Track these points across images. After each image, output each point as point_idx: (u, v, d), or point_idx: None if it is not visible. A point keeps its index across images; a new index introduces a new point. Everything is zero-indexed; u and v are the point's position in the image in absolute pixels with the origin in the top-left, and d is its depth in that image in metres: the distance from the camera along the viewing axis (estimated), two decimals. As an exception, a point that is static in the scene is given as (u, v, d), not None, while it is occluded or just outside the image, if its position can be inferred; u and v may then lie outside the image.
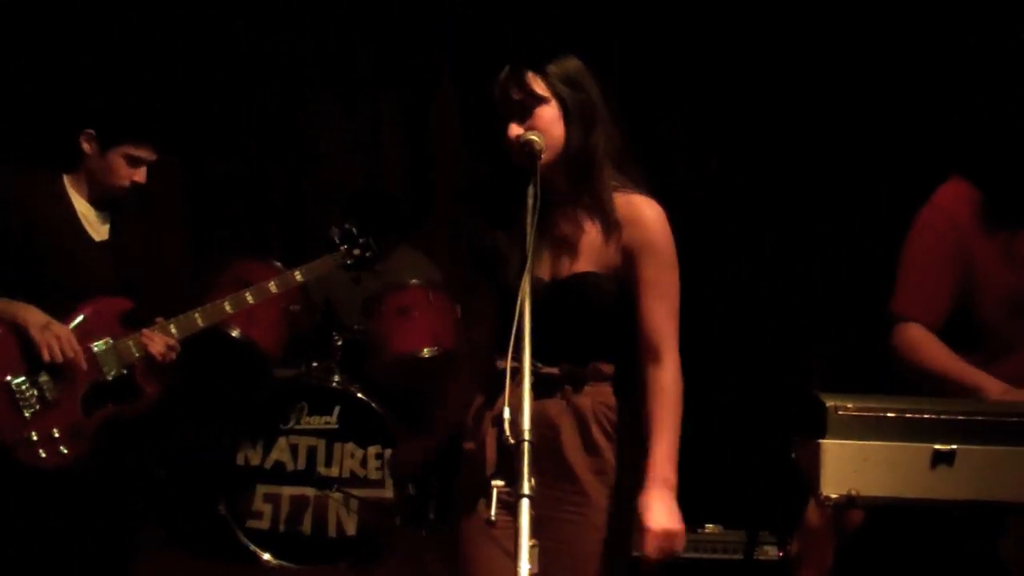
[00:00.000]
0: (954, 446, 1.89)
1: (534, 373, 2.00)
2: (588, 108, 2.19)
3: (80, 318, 3.09)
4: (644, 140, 4.58)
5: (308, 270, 3.57)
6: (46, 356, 2.99)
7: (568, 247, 2.20)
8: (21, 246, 3.07)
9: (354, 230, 3.72)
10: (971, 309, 2.43)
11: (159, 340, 3.14)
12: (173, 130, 3.41)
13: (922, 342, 2.41)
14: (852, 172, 4.56)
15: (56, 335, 3.00)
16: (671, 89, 4.86)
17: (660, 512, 2.07)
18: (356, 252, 3.72)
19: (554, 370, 2.15)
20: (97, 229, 3.20)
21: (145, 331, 3.13)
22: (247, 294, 3.39)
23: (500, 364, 2.14)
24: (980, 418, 1.91)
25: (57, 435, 3.03)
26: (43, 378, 3.03)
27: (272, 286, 3.45)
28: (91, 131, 3.13)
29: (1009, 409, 1.96)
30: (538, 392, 2.03)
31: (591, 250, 2.20)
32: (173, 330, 3.18)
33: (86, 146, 3.14)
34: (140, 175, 3.17)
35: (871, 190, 4.52)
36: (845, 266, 4.62)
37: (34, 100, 4.46)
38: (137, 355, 3.12)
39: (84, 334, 3.08)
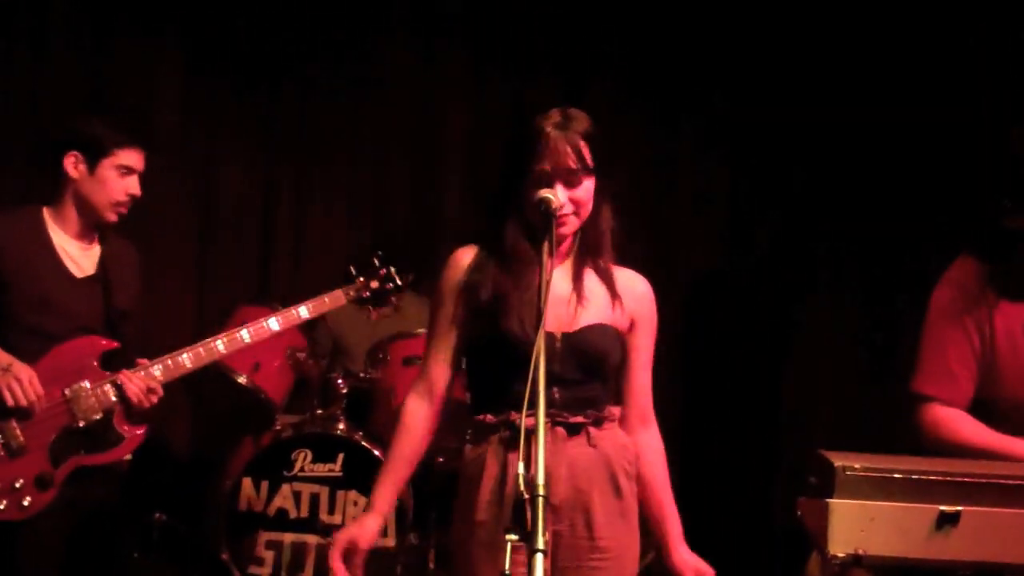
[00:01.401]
0: (960, 507, 1.92)
1: (563, 423, 2.20)
2: (609, 177, 2.29)
3: (52, 359, 2.98)
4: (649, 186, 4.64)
5: (315, 306, 3.38)
6: (8, 400, 2.88)
7: (574, 303, 2.28)
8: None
9: (376, 260, 3.52)
10: (993, 384, 2.46)
11: (137, 383, 3.00)
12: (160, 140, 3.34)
13: (954, 419, 2.45)
14: (855, 237, 4.59)
15: (16, 378, 2.88)
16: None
17: (700, 561, 2.33)
18: (374, 285, 3.52)
19: (580, 418, 2.25)
20: (80, 265, 3.13)
21: (124, 372, 3.01)
22: (243, 332, 3.24)
23: (514, 417, 2.20)
24: (986, 480, 1.94)
25: (19, 486, 2.91)
26: (9, 424, 2.91)
27: (273, 323, 3.28)
28: (75, 152, 3.08)
29: (1015, 471, 1.99)
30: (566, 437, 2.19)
31: (600, 307, 2.30)
32: (156, 372, 3.04)
33: (73, 171, 3.08)
34: (134, 185, 3.11)
35: (868, 253, 4.56)
36: (848, 325, 4.66)
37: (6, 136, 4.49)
38: (115, 399, 3.00)
39: (55, 376, 2.96)
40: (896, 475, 1.93)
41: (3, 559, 2.95)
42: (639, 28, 4.93)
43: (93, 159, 3.07)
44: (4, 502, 2.89)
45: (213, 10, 4.77)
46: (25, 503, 2.91)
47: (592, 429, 2.26)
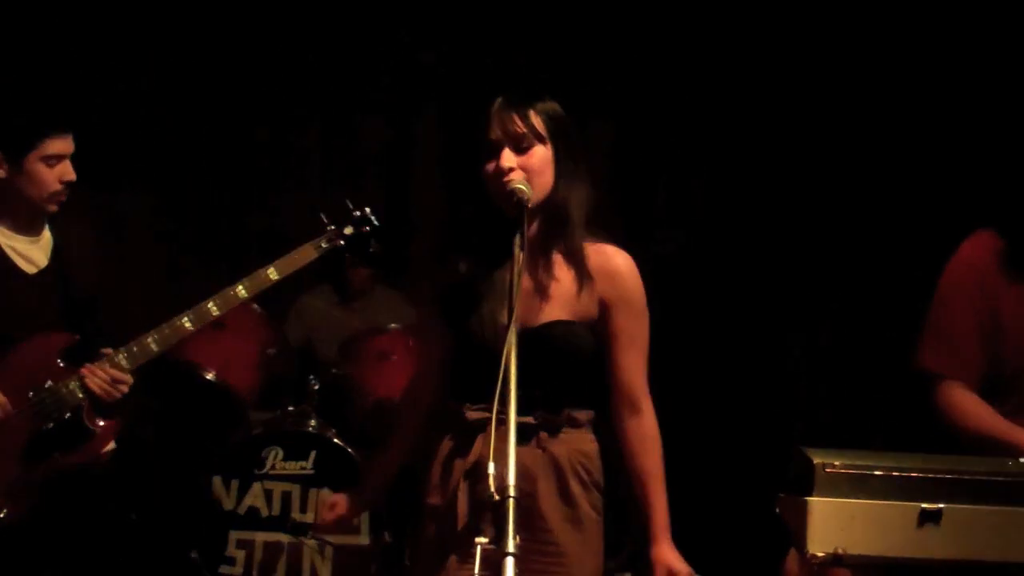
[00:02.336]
0: (941, 505, 1.89)
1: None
2: (576, 158, 2.20)
3: (11, 363, 2.88)
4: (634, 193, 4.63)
5: (284, 264, 3.06)
6: None
7: (540, 295, 2.19)
8: None
9: (348, 203, 3.15)
10: (1000, 359, 2.44)
11: (100, 375, 2.86)
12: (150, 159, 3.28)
13: (966, 403, 2.43)
14: (856, 222, 4.57)
15: None
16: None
17: (680, 559, 2.22)
18: (348, 230, 3.12)
19: (528, 419, 2.13)
20: (32, 259, 2.98)
21: (86, 367, 2.87)
22: (210, 304, 3.00)
23: (471, 414, 2.15)
24: (967, 477, 1.91)
25: None
26: None
27: (241, 289, 3.02)
28: None
29: (996, 468, 1.96)
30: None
31: (565, 299, 2.20)
32: (123, 361, 2.90)
33: (1, 171, 2.89)
34: (67, 172, 2.92)
35: (868, 237, 4.54)
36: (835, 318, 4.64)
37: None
38: (81, 395, 2.88)
39: (18, 380, 2.86)
40: (876, 472, 1.90)
41: None
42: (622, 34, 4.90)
43: (16, 155, 2.88)
44: None
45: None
46: (1, 515, 2.82)
47: (543, 434, 2.18)
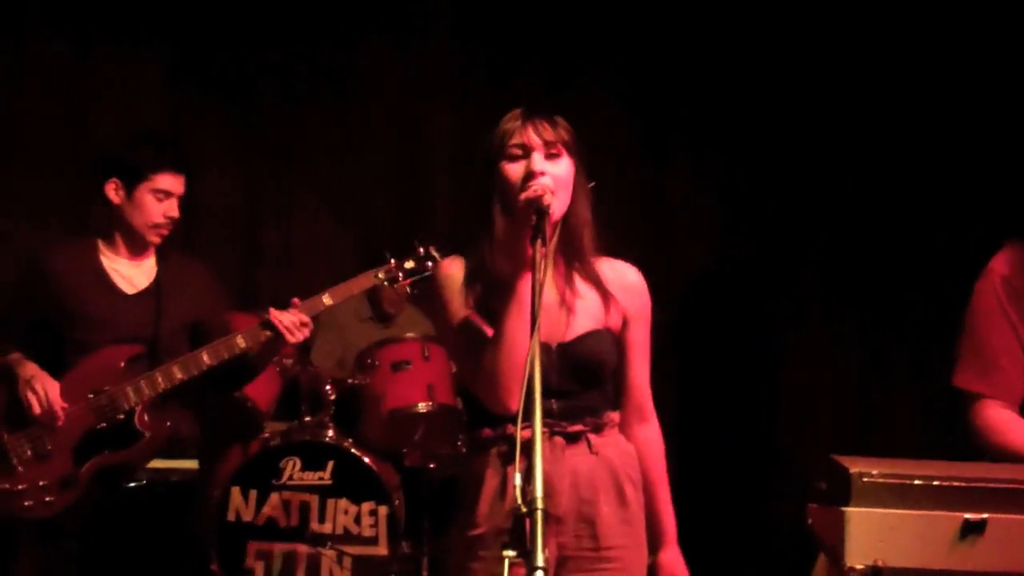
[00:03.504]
0: (985, 515, 1.83)
1: (562, 433, 2.13)
2: (587, 176, 2.20)
3: (80, 369, 3.16)
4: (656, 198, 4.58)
5: (339, 291, 3.34)
6: (28, 411, 3.09)
7: (567, 309, 2.19)
8: (51, 315, 3.21)
9: (415, 241, 3.41)
10: None
11: (289, 315, 3.22)
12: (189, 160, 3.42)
13: (1007, 423, 2.38)
14: (885, 234, 4.52)
15: (34, 389, 3.08)
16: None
17: (684, 570, 2.25)
18: (410, 264, 3.39)
19: (579, 427, 2.18)
20: (133, 281, 3.31)
21: (272, 310, 3.23)
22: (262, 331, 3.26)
23: (511, 431, 2.11)
24: (1013, 486, 1.85)
25: (44, 484, 3.11)
26: (36, 430, 3.12)
27: (300, 309, 3.25)
28: (115, 179, 3.25)
29: (1043, 477, 1.90)
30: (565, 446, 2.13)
31: (591, 312, 2.22)
32: (177, 373, 3.19)
33: (114, 196, 3.26)
34: (172, 208, 3.27)
35: (895, 251, 4.50)
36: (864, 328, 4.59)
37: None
38: (135, 400, 3.15)
39: (82, 384, 3.15)
40: (917, 481, 1.84)
41: (32, 556, 3.20)
42: (629, 26, 4.85)
43: (131, 184, 3.24)
44: (30, 501, 3.10)
45: (193, 19, 4.73)
46: (49, 500, 3.11)
47: (592, 436, 2.19)
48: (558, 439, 2.15)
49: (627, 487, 2.21)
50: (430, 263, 3.35)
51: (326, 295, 3.33)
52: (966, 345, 2.44)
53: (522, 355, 2.00)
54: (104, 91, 4.73)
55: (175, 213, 3.29)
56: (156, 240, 3.31)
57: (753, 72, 4.73)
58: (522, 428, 1.70)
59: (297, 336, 3.27)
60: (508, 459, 2.14)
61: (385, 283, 3.44)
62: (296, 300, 3.31)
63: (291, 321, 3.24)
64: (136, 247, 3.32)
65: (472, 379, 2.17)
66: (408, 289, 3.56)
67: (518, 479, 1.75)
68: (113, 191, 3.25)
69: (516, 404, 1.93)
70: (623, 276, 2.27)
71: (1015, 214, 2.56)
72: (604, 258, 2.26)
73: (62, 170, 4.64)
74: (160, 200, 3.25)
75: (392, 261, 3.40)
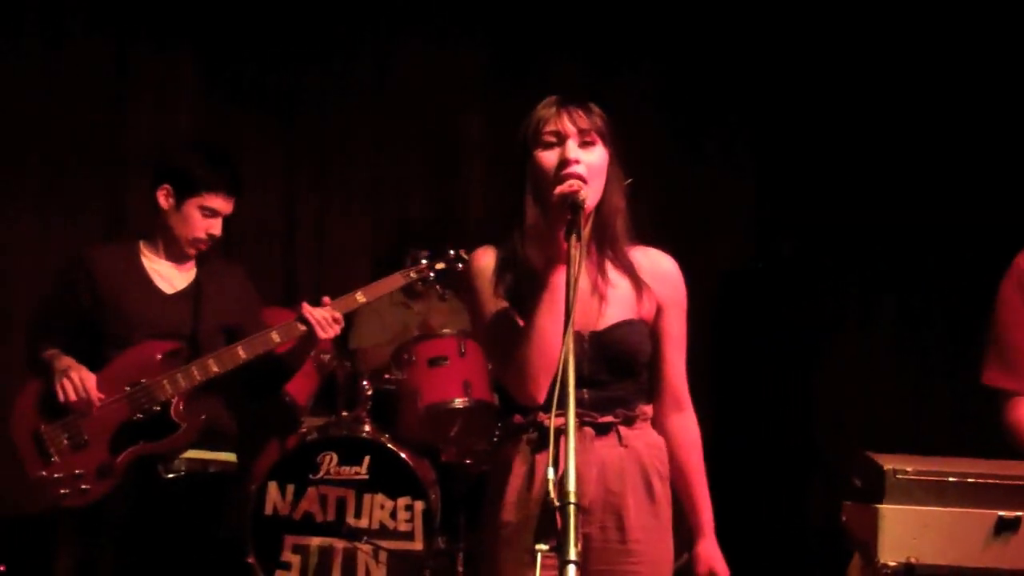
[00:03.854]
0: (1019, 513, 1.82)
1: (591, 423, 2.10)
2: (623, 165, 2.19)
3: (118, 362, 3.20)
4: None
5: (372, 289, 3.42)
6: (61, 398, 3.13)
7: (600, 298, 2.18)
8: (90, 315, 3.24)
9: (448, 245, 3.52)
10: None
11: (321, 311, 3.26)
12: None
13: None
14: (904, 234, 4.50)
15: (70, 379, 3.13)
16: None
17: (722, 561, 2.22)
18: (440, 266, 3.51)
19: (609, 418, 2.17)
20: (173, 283, 3.35)
21: (304, 305, 3.27)
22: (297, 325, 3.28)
23: (547, 422, 2.11)
24: (1048, 484, 1.83)
25: (80, 473, 3.15)
26: (74, 420, 3.16)
27: (333, 306, 3.30)
28: (168, 186, 3.28)
29: (1078, 474, 1.88)
30: (596, 437, 2.12)
31: (626, 301, 2.20)
32: (213, 366, 3.22)
33: (163, 201, 3.29)
34: (215, 227, 3.31)
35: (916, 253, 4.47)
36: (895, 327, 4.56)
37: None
38: (171, 392, 3.19)
39: (119, 376, 3.19)
40: (951, 478, 1.83)
41: (69, 544, 3.26)
42: (662, 20, 4.84)
43: (182, 195, 3.28)
44: (67, 489, 3.15)
45: (230, 22, 4.78)
46: (85, 488, 3.15)
47: (622, 428, 2.18)
48: (587, 429, 2.14)
49: (655, 481, 2.20)
50: (460, 265, 3.45)
51: (359, 293, 3.40)
52: (992, 343, 2.43)
53: (552, 348, 2.01)
54: (142, 94, 4.78)
55: (218, 232, 3.32)
56: (191, 253, 3.35)
57: (787, 64, 4.71)
58: (555, 417, 1.71)
59: (328, 332, 3.30)
60: (538, 447, 2.13)
61: (418, 283, 3.55)
62: (327, 299, 3.35)
63: (323, 317, 3.28)
64: (176, 253, 3.36)
65: (501, 370, 2.17)
66: (438, 288, 3.66)
67: (551, 472, 1.75)
68: (164, 197, 3.29)
69: (543, 396, 1.95)
70: (657, 264, 2.25)
71: None
72: (638, 246, 2.24)
73: (98, 170, 4.71)
74: (206, 217, 3.29)
75: (424, 262, 3.51)
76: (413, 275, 3.51)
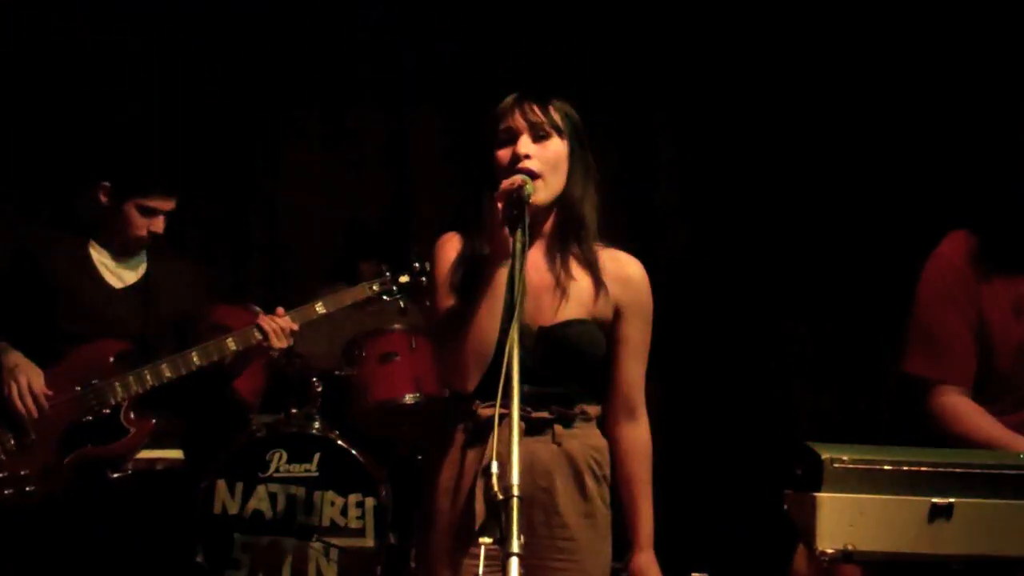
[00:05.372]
0: (952, 499, 1.84)
1: (524, 418, 2.07)
2: (588, 161, 2.19)
3: (69, 360, 3.15)
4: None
5: (332, 301, 3.42)
6: (8, 403, 3.08)
7: (557, 293, 2.17)
8: (39, 302, 3.18)
9: (412, 255, 3.52)
10: (986, 359, 2.40)
11: (276, 321, 3.25)
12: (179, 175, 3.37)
13: (963, 409, 2.39)
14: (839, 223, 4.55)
15: (16, 379, 3.07)
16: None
17: (659, 572, 2.20)
18: (404, 279, 3.52)
19: (544, 414, 2.14)
20: (121, 276, 3.29)
21: (260, 315, 3.27)
22: (255, 331, 3.28)
23: (484, 411, 2.12)
24: (979, 471, 1.87)
25: (25, 474, 3.09)
26: (20, 420, 3.10)
27: (292, 316, 3.32)
28: (106, 184, 3.20)
29: (1008, 461, 1.92)
30: (527, 434, 2.07)
31: (582, 299, 2.19)
32: (166, 371, 3.19)
33: (103, 198, 3.21)
34: (156, 225, 3.23)
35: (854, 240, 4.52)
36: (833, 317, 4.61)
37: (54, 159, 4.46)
38: (122, 395, 3.15)
39: (70, 375, 3.14)
40: (886, 467, 1.86)
41: (14, 545, 3.17)
42: (612, 22, 4.87)
43: (120, 195, 3.19)
44: (10, 490, 3.09)
45: (186, 10, 4.72)
46: (29, 489, 3.10)
47: (558, 427, 2.16)
48: (521, 424, 2.14)
49: (588, 480, 2.18)
50: (425, 279, 3.43)
51: (319, 304, 3.40)
52: (916, 331, 2.45)
53: (483, 339, 2.03)
54: (93, 79, 4.70)
55: (160, 229, 3.25)
56: (135, 251, 3.29)
57: (733, 67, 4.75)
58: (488, 410, 1.71)
59: (283, 343, 3.30)
60: (473, 437, 2.14)
61: (382, 296, 3.54)
62: (280, 310, 3.33)
63: (280, 328, 3.27)
64: (120, 249, 3.30)
65: (437, 356, 2.20)
66: (400, 304, 3.67)
67: (494, 466, 1.76)
68: (102, 194, 3.21)
69: (473, 385, 1.96)
70: (623, 268, 2.23)
71: (967, 203, 2.58)
72: (608, 248, 2.23)
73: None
74: (145, 216, 3.21)
75: (388, 274, 3.51)
76: (376, 288, 3.51)
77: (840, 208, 4.56)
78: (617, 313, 2.22)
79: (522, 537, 1.68)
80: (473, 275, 2.15)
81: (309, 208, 4.98)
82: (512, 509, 1.69)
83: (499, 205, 2.04)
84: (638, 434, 2.26)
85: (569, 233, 2.18)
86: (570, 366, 2.18)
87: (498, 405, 1.79)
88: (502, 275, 2.06)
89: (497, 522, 1.71)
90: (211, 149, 4.83)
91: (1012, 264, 2.39)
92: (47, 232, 3.39)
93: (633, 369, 2.24)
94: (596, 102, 4.74)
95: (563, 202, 2.17)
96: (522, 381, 1.86)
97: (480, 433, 2.13)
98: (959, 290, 2.40)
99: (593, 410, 2.23)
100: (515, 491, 1.71)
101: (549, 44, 4.91)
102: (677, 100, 4.87)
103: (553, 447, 2.16)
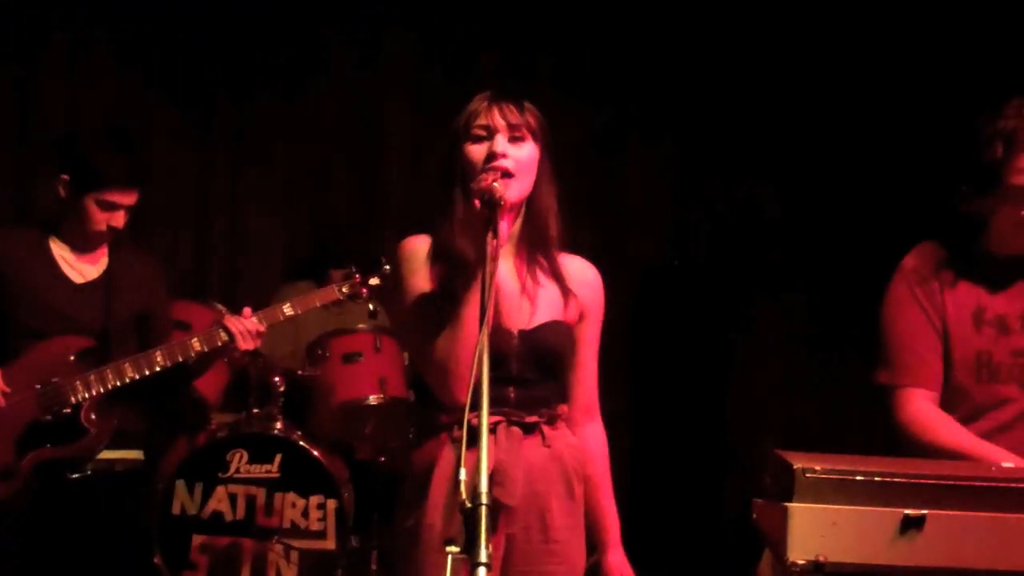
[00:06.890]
0: (925, 511, 1.83)
1: (518, 423, 2.11)
2: (555, 165, 2.19)
3: (29, 358, 3.09)
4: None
5: (300, 303, 3.39)
6: None
7: (528, 297, 2.18)
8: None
9: (383, 259, 3.43)
10: (950, 368, 2.42)
11: (243, 322, 3.23)
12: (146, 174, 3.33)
13: (932, 418, 2.40)
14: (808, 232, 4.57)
15: None
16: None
17: (631, 571, 2.24)
18: (375, 281, 3.50)
19: (535, 417, 2.17)
20: (82, 271, 3.23)
21: (227, 316, 3.25)
22: (220, 331, 3.25)
23: (472, 419, 2.08)
24: (951, 482, 1.86)
25: None
26: None
27: (259, 318, 3.28)
28: (65, 177, 3.14)
29: (981, 473, 1.92)
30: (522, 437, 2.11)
31: (553, 301, 2.21)
32: (128, 371, 3.14)
33: (62, 191, 3.16)
34: (116, 219, 3.17)
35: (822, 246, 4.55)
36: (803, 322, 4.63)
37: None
38: (83, 395, 3.10)
39: (30, 373, 3.08)
40: (858, 477, 1.85)
41: None
42: (585, 18, 4.85)
43: (78, 188, 3.14)
44: None
45: (148, 6, 4.67)
46: None
47: (546, 428, 2.18)
48: (515, 429, 2.14)
49: (575, 482, 2.20)
50: (391, 284, 3.38)
51: (287, 306, 3.37)
52: (884, 340, 2.46)
53: (473, 347, 1.99)
54: (54, 73, 4.64)
55: (119, 224, 3.19)
56: (95, 246, 3.24)
57: (708, 66, 4.75)
58: (474, 418, 1.68)
59: (249, 344, 3.27)
60: (467, 446, 2.11)
61: (349, 299, 3.52)
62: (247, 310, 3.30)
63: (246, 329, 3.24)
64: (80, 243, 3.24)
65: (424, 364, 2.14)
66: (370, 307, 3.66)
67: (463, 473, 1.73)
68: (62, 187, 3.16)
69: (465, 394, 1.92)
70: (582, 272, 2.28)
71: (934, 214, 2.59)
72: (564, 253, 2.26)
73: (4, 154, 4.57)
74: (104, 211, 3.16)
75: (356, 277, 3.48)
76: (346, 290, 3.49)
77: (815, 213, 4.58)
78: (581, 316, 2.26)
79: (491, 546, 1.65)
80: (450, 280, 2.12)
81: (272, 202, 4.92)
82: (481, 518, 1.66)
83: (476, 204, 2.02)
84: (597, 434, 2.31)
85: (534, 238, 2.20)
86: (552, 367, 2.20)
87: (481, 410, 1.75)
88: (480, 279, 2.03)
89: (468, 530, 1.67)
90: (173, 138, 4.77)
91: (972, 274, 2.41)
92: (6, 226, 3.35)
93: (591, 371, 2.29)
94: (577, 98, 4.79)
95: (529, 206, 2.18)
96: (509, 385, 1.84)
97: (474, 442, 2.10)
98: (927, 300, 2.43)
99: (565, 410, 2.26)
100: (484, 499, 1.67)
101: (523, 38, 4.88)
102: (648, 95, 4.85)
103: (545, 450, 2.17)
